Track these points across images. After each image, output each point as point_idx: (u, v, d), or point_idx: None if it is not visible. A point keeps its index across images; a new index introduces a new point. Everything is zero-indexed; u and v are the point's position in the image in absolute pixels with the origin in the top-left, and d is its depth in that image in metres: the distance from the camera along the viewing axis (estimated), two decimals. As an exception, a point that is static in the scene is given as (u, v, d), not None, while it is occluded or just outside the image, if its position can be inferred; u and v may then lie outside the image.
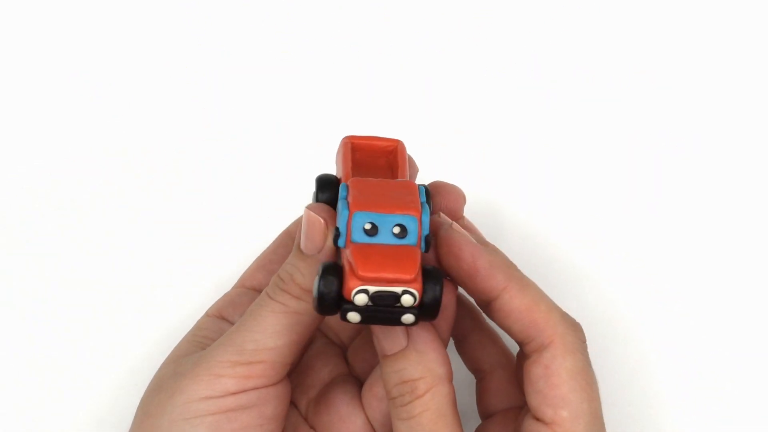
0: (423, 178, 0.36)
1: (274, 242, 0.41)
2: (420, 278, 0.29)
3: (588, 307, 0.42)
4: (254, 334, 0.33)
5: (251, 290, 0.39)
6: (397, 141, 0.35)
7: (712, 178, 0.45)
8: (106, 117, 0.47)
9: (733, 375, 0.42)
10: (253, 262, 0.40)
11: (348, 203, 0.31)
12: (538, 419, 0.31)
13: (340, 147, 0.35)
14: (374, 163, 0.35)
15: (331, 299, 0.29)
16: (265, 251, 0.41)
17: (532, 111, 0.46)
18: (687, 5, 0.48)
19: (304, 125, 0.46)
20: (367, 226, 0.30)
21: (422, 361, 0.31)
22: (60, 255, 0.44)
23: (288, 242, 0.40)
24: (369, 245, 0.30)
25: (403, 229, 0.30)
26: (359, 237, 0.30)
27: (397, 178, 0.34)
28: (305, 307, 0.32)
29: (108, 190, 0.46)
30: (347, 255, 0.30)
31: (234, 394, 0.32)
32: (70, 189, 0.45)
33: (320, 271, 0.30)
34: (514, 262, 0.35)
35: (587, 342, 0.33)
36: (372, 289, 0.29)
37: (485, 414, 0.36)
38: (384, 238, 0.30)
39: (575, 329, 0.32)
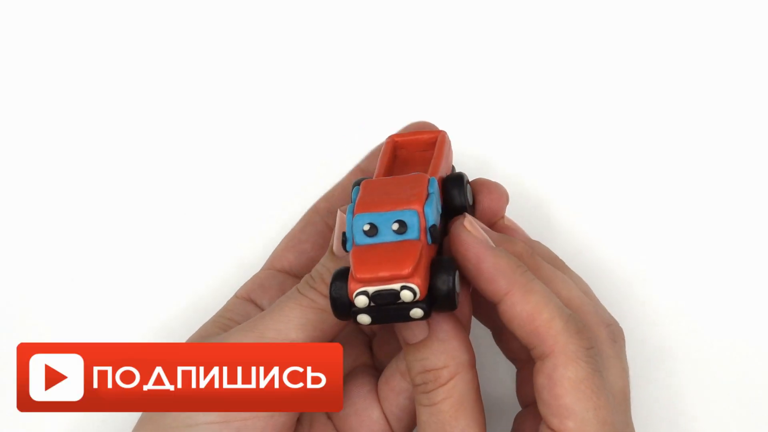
0: (469, 174, 0.36)
1: (301, 220, 0.40)
2: (421, 272, 0.29)
3: (635, 304, 0.42)
4: (277, 324, 0.33)
5: (281, 272, 0.39)
6: (439, 132, 0.35)
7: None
8: (144, 97, 0.46)
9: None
10: (282, 241, 0.40)
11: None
12: (549, 428, 0.31)
13: (381, 147, 0.35)
14: (420, 156, 0.35)
15: (341, 304, 0.30)
16: (293, 230, 0.40)
17: (584, 103, 0.45)
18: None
19: (337, 109, 0.46)
20: (366, 227, 0.30)
21: (445, 349, 0.31)
22: (76, 238, 0.45)
23: (316, 220, 0.40)
24: (369, 246, 0.30)
25: (402, 224, 0.30)
26: (360, 239, 0.30)
27: (431, 168, 0.34)
28: None
29: (124, 169, 0.45)
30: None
31: None
32: (84, 170, 0.46)
33: (332, 278, 0.30)
34: (561, 256, 0.35)
35: (626, 341, 0.33)
36: (371, 289, 0.29)
37: (524, 402, 0.36)
38: (384, 236, 0.30)
39: (579, 336, 0.31)
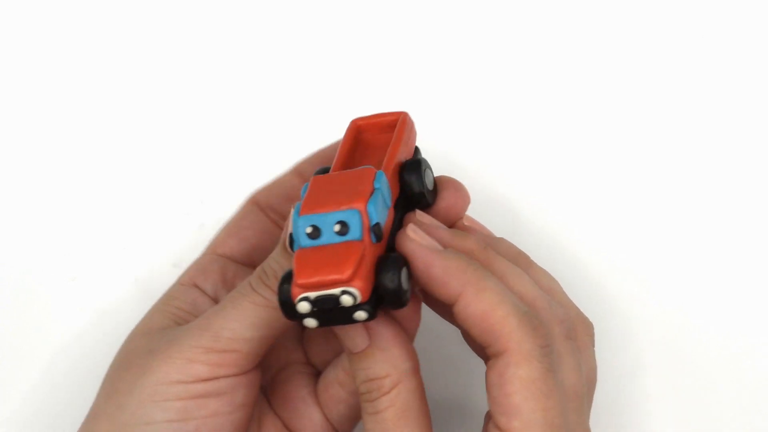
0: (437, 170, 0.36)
1: (241, 210, 0.41)
2: (362, 274, 0.29)
3: (598, 301, 0.42)
4: (232, 323, 0.33)
5: (223, 257, 0.39)
6: (401, 113, 0.35)
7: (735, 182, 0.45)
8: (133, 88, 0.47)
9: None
10: (222, 228, 0.41)
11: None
12: (496, 426, 0.31)
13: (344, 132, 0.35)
14: (383, 139, 0.35)
15: (290, 307, 0.30)
16: (233, 218, 0.41)
17: (551, 102, 0.46)
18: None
19: (332, 103, 0.47)
20: (309, 230, 0.30)
21: (386, 358, 0.32)
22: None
23: (256, 210, 0.40)
24: (311, 249, 0.30)
25: (344, 225, 0.30)
26: (304, 242, 0.30)
27: (388, 154, 0.34)
28: None
29: (122, 167, 0.46)
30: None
31: (205, 380, 0.33)
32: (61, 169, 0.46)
33: (280, 281, 0.30)
34: (539, 251, 0.35)
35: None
36: (312, 295, 0.29)
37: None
38: (327, 238, 0.30)
39: (535, 335, 0.30)
